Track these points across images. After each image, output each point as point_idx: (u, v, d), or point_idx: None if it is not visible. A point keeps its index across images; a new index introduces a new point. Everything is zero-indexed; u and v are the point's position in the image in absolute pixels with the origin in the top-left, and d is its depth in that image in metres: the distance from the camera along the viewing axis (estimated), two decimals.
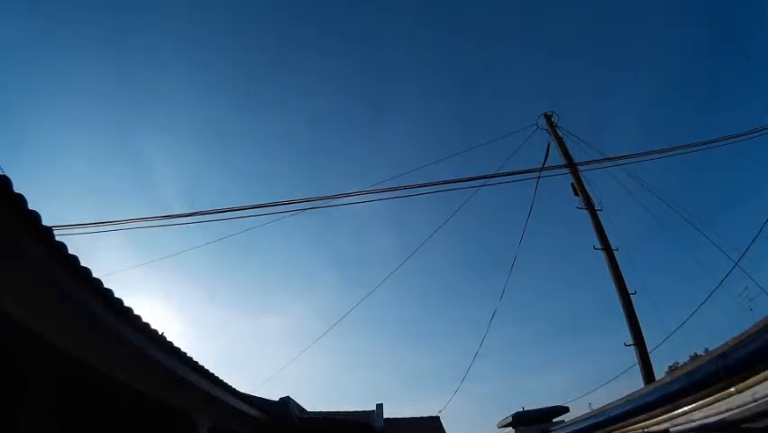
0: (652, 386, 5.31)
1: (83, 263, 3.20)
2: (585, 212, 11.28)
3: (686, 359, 20.32)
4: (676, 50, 35.16)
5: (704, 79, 36.33)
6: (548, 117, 12.57)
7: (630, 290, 10.13)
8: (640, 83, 37.26)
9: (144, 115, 35.18)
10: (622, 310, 10.01)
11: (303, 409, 13.53)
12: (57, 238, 2.97)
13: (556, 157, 12.09)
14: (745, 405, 3.80)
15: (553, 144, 12.24)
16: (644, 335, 9.72)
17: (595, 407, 7.65)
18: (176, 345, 4.73)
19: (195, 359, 5.23)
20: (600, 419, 6.07)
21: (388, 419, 14.38)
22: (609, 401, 6.09)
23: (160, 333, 4.40)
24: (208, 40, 34.83)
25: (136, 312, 3.91)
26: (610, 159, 11.54)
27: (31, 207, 2.69)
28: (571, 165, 11.72)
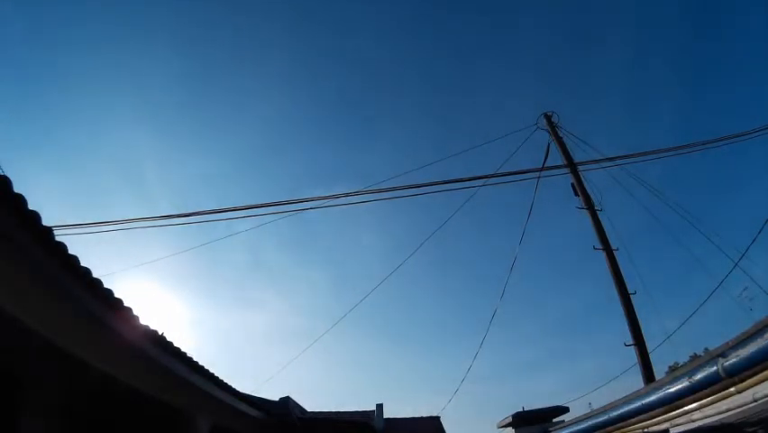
0: (652, 386, 5.31)
1: (83, 263, 3.20)
2: (585, 212, 11.28)
3: (686, 359, 20.34)
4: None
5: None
6: (548, 117, 12.56)
7: (630, 290, 10.14)
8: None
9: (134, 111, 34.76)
10: (622, 310, 10.02)
11: (303, 410, 13.52)
12: (57, 238, 2.97)
13: (556, 157, 12.11)
14: (745, 405, 3.80)
15: (553, 144, 12.24)
16: (644, 335, 9.73)
17: (595, 407, 7.65)
18: (176, 345, 4.73)
19: (195, 359, 5.23)
20: (600, 418, 6.07)
21: (388, 419, 14.37)
22: (609, 401, 6.09)
23: (159, 333, 4.40)
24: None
25: (136, 312, 3.91)
26: (610, 159, 11.55)
27: (31, 206, 2.69)
28: (571, 165, 11.71)
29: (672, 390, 4.57)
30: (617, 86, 38.85)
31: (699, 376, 4.16)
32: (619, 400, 5.76)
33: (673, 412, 4.72)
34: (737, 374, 3.76)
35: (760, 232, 7.84)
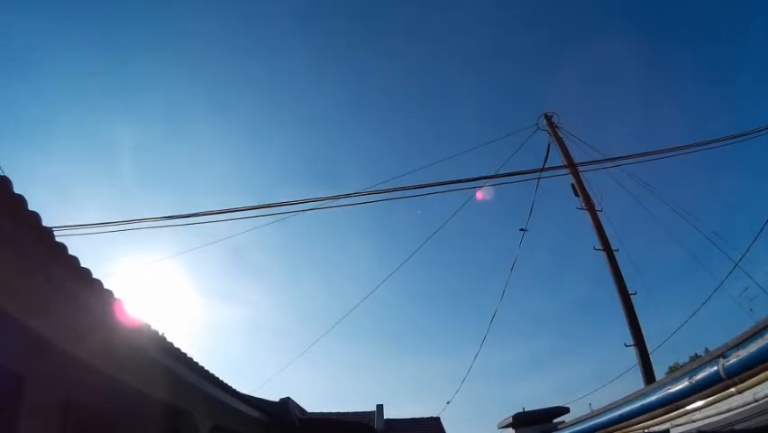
0: (652, 386, 5.31)
1: (83, 264, 3.20)
2: (585, 212, 11.29)
3: (686, 359, 20.34)
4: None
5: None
6: (548, 118, 12.57)
7: (630, 291, 10.15)
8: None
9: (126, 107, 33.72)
10: (622, 311, 10.02)
11: (303, 410, 13.55)
12: (57, 239, 2.97)
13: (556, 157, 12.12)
14: (745, 405, 3.80)
15: (554, 145, 12.25)
16: (644, 335, 9.74)
17: (595, 407, 7.65)
18: (176, 345, 4.74)
19: (195, 360, 5.24)
20: (601, 419, 6.07)
21: (388, 420, 14.38)
22: (610, 402, 6.09)
23: (160, 333, 4.41)
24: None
25: (136, 313, 3.91)
26: (611, 159, 11.53)
27: (31, 207, 2.70)
28: (572, 165, 11.72)
29: (673, 390, 4.57)
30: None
31: (699, 376, 4.16)
32: (620, 400, 5.76)
33: (674, 413, 4.72)
34: (738, 375, 3.76)
35: (760, 232, 7.86)
